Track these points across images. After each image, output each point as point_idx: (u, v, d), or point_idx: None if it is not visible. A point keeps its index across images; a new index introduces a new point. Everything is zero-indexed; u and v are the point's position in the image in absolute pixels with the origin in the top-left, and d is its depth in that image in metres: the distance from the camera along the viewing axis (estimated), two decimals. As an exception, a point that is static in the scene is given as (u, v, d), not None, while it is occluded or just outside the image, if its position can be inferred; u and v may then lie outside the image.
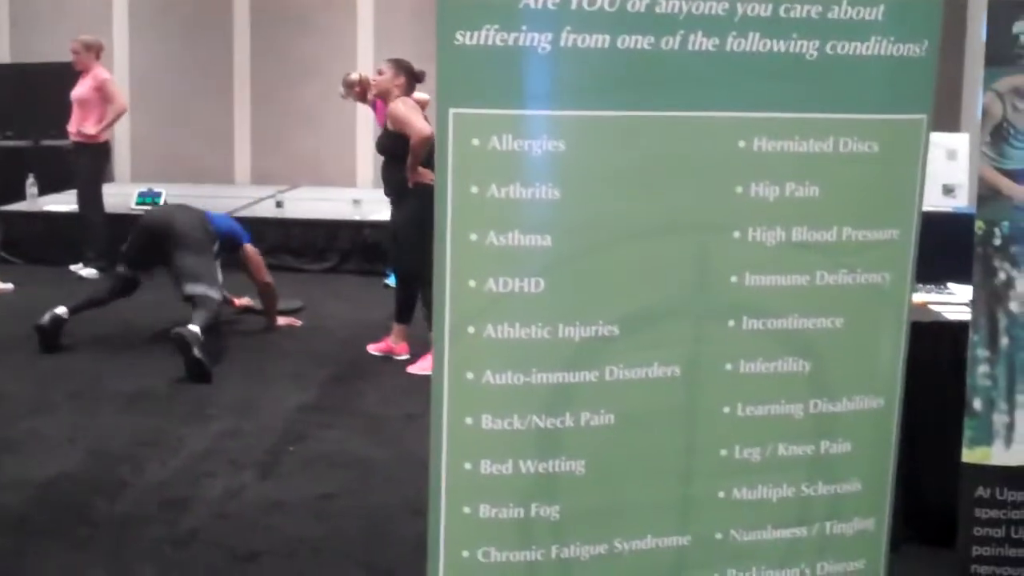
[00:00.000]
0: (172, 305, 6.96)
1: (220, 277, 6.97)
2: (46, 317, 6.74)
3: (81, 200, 9.34)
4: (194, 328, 6.32)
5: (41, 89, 9.03)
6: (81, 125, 9.03)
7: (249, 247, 7.53)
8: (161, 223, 7.07)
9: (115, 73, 12.96)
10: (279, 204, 10.41)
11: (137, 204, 10.14)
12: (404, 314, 6.86)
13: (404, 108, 6.36)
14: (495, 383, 2.41)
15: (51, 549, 4.11)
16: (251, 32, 13.28)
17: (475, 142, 2.33)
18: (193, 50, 13.28)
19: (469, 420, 2.43)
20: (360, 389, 6.31)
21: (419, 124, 6.21)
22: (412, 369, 6.58)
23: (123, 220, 8.67)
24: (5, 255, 9.41)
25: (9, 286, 8.69)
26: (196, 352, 6.23)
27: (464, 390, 2.42)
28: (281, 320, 7.68)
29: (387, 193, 6.80)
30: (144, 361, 6.61)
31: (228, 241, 7.31)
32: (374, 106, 9.28)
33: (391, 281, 8.66)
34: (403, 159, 6.29)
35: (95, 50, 9.18)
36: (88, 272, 9.24)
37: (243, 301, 7.85)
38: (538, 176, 2.36)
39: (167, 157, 13.27)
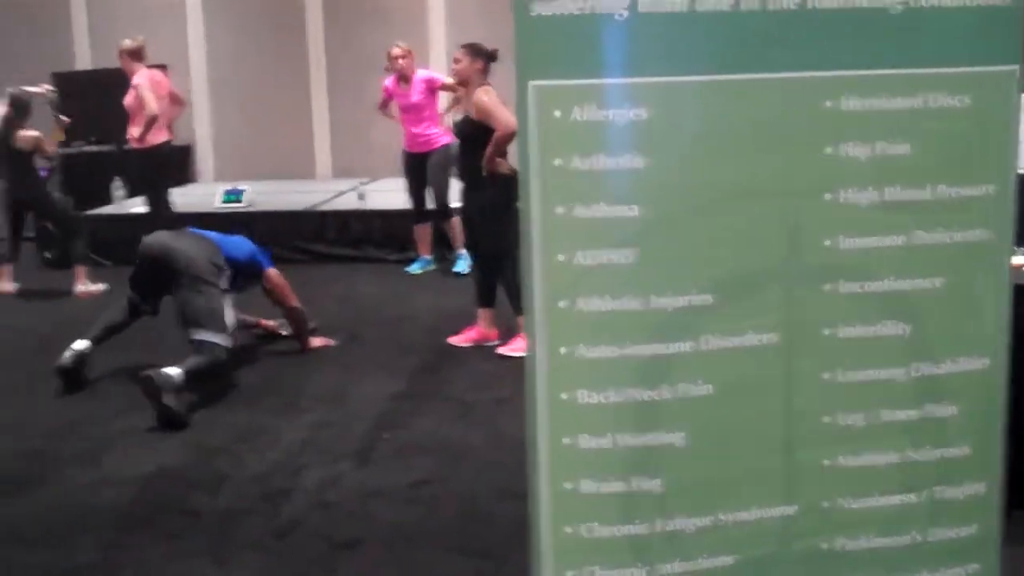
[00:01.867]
0: (261, 300, 7.01)
1: (232, 317, 6.20)
2: (66, 357, 6.17)
3: (150, 204, 9.35)
4: (171, 372, 5.57)
5: (122, 94, 9.11)
6: (130, 131, 9.03)
7: (272, 272, 6.85)
8: (161, 254, 6.31)
9: (192, 74, 13.18)
10: (361, 197, 10.47)
11: (224, 202, 10.30)
12: (487, 298, 6.86)
13: (489, 99, 6.36)
14: (589, 357, 2.39)
15: (154, 542, 4.16)
16: (324, 24, 13.36)
17: (556, 114, 2.31)
18: (268, 46, 13.41)
19: (565, 395, 2.41)
20: (449, 375, 6.32)
21: (506, 117, 6.17)
22: (503, 350, 6.59)
23: (205, 219, 8.71)
24: (95, 258, 9.55)
25: (102, 287, 8.85)
26: (165, 400, 5.50)
27: (559, 365, 2.40)
28: (315, 342, 7.05)
29: (462, 177, 6.82)
30: (235, 356, 6.64)
31: (247, 269, 6.65)
32: (404, 82, 9.15)
33: (459, 268, 8.73)
34: (482, 146, 6.29)
35: (134, 54, 8.94)
36: None
37: (271, 324, 7.31)
38: (622, 145, 2.33)
39: (249, 154, 13.43)
